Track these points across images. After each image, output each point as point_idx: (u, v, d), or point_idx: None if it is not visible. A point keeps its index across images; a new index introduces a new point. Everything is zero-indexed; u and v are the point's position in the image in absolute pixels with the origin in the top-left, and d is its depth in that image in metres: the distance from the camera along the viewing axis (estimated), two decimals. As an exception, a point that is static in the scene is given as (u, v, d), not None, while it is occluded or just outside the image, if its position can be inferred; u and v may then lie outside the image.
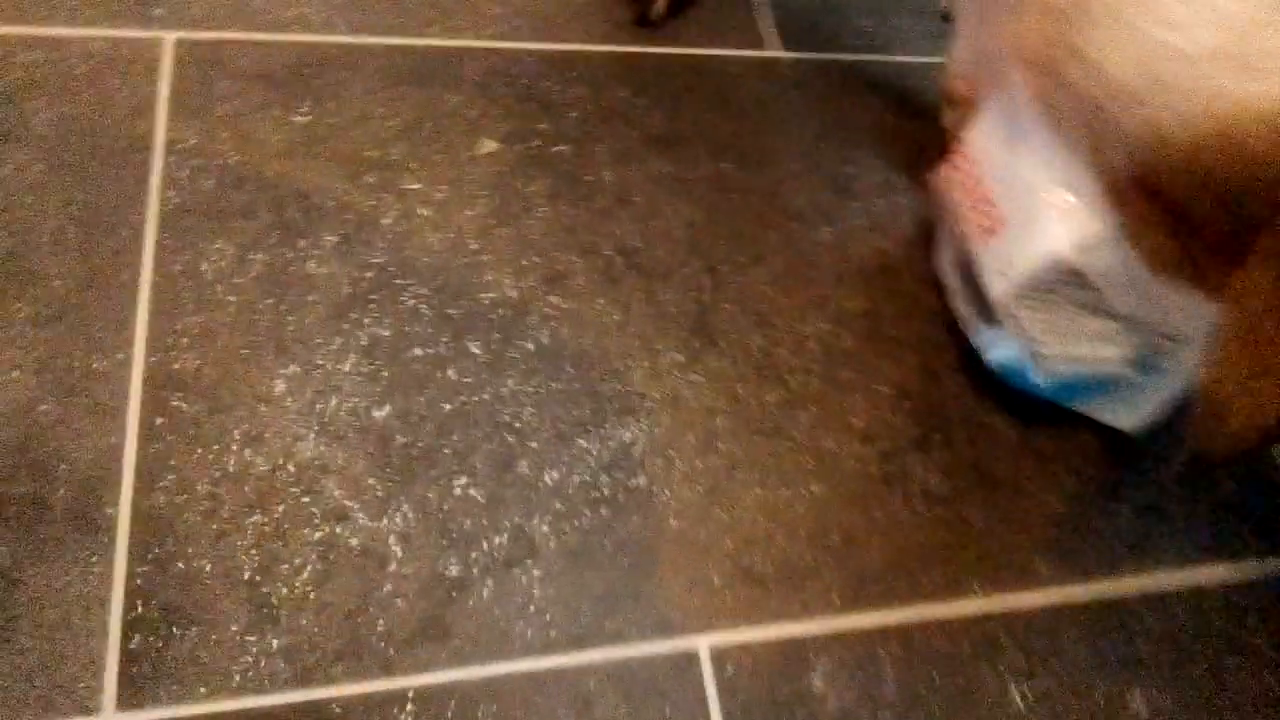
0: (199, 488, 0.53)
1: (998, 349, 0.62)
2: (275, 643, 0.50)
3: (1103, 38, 0.43)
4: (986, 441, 0.64)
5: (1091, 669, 0.57)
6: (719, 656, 0.54)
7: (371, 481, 0.55)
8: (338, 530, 0.53)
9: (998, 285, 0.58)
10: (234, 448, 0.54)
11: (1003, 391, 0.64)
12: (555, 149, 0.68)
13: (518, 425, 0.58)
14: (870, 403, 0.63)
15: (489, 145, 0.67)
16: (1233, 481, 0.66)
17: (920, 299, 0.68)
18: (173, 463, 0.53)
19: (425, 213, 0.64)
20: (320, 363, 0.57)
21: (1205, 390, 0.46)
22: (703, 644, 0.54)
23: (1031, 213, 0.55)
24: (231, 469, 0.54)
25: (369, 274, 0.61)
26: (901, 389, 0.64)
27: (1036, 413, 0.64)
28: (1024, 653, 0.57)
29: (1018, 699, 0.55)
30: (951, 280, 0.66)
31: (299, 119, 0.65)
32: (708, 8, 0.79)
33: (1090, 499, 0.63)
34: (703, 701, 0.52)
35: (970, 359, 0.65)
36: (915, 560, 0.59)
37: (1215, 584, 0.61)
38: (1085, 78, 0.44)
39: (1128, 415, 0.64)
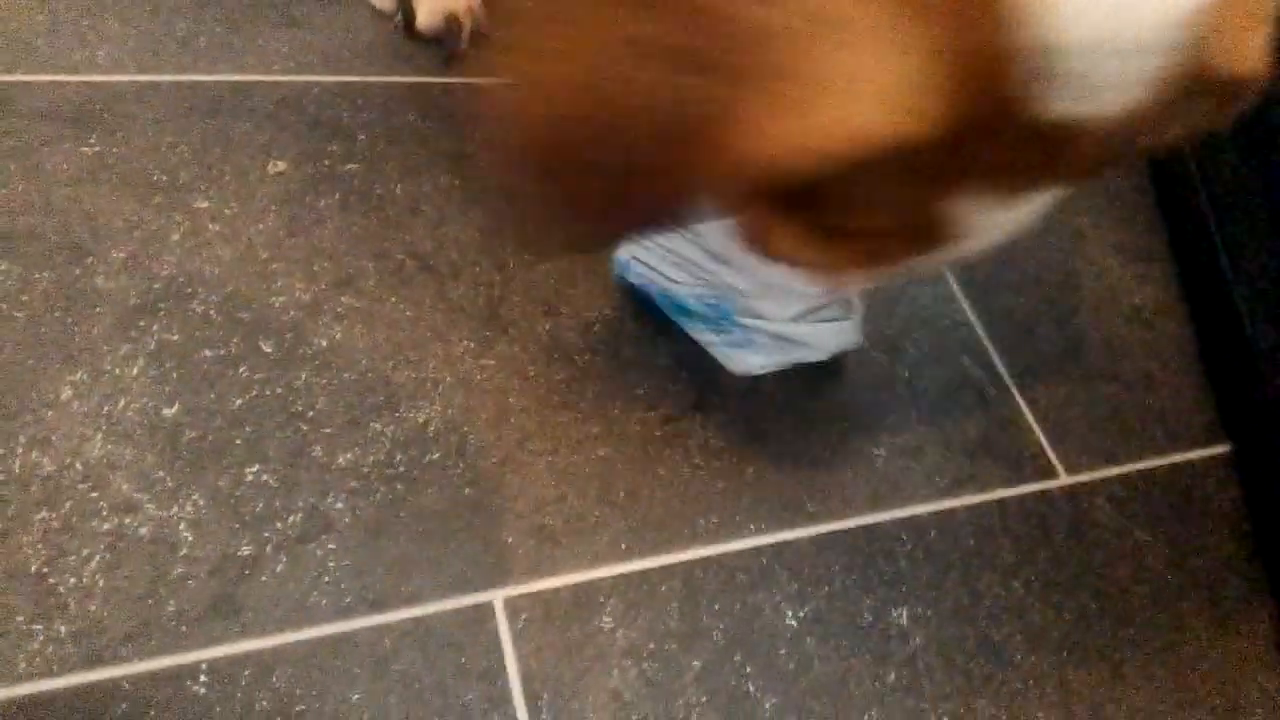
0: (-20, 491, 0.53)
1: (631, 272, 0.70)
2: (63, 629, 0.50)
3: None
4: (756, 403, 0.70)
5: (857, 589, 0.63)
6: (513, 607, 0.57)
7: (161, 474, 0.56)
8: (126, 521, 0.54)
9: None
10: (19, 451, 0.55)
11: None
12: (346, 167, 0.73)
13: (310, 414, 0.61)
14: (651, 375, 0.69)
15: (279, 166, 0.71)
16: (980, 426, 0.74)
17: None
18: (-48, 470, 0.54)
19: (215, 228, 0.67)
20: (108, 368, 0.59)
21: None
22: (497, 597, 0.57)
23: None
24: (17, 471, 0.54)
25: (157, 285, 0.63)
26: (680, 361, 0.70)
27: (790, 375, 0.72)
28: (796, 580, 0.62)
29: (792, 621, 0.61)
30: None
31: (87, 149, 0.68)
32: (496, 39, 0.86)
33: (853, 445, 0.70)
34: (497, 648, 0.55)
35: (740, 331, 0.72)
36: (695, 508, 0.64)
37: (963, 508, 0.69)
38: None
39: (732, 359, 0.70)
